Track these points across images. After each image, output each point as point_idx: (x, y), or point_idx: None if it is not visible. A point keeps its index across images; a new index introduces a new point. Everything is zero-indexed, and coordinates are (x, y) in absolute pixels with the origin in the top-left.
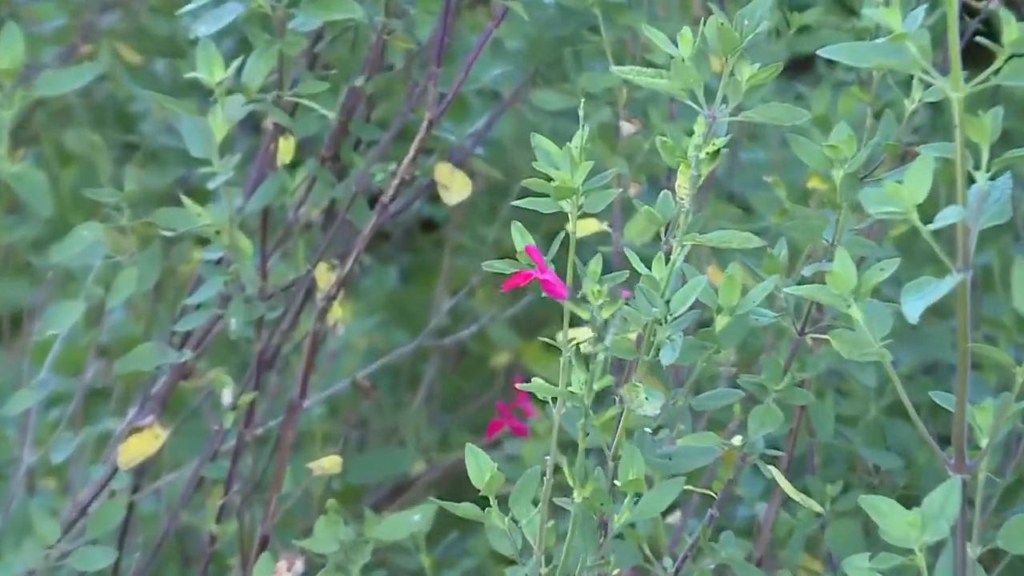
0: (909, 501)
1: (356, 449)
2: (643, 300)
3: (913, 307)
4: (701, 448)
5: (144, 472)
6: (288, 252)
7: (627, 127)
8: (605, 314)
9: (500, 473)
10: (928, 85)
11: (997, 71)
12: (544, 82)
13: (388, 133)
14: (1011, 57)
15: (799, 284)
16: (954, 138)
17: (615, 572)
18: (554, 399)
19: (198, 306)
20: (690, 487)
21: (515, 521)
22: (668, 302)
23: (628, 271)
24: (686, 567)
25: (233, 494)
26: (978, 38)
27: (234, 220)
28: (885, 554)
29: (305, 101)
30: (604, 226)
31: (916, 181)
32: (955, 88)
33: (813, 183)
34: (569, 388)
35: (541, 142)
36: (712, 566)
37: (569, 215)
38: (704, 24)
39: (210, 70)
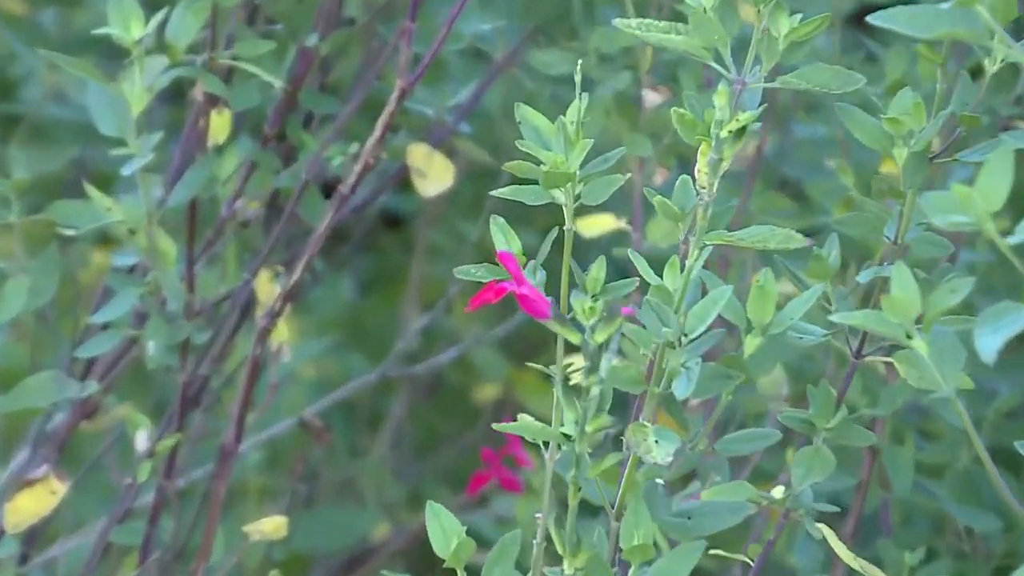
0: (1009, 573)
1: (304, 507)
2: (652, 317)
3: (988, 343)
4: (729, 504)
5: (36, 537)
6: (220, 257)
7: (651, 97)
8: (599, 336)
9: (470, 540)
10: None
11: None
12: (546, 40)
13: (348, 105)
14: None
15: (855, 295)
16: None
17: None
18: (547, 442)
19: (105, 326)
20: (721, 552)
21: None
22: (683, 319)
23: (638, 280)
24: None
25: (150, 564)
26: None
27: (153, 216)
28: None
29: (244, 65)
30: (622, 224)
31: (992, 181)
32: None
33: (887, 167)
34: (560, 428)
35: (526, 114)
36: None
37: (564, 208)
38: None
39: (125, 25)
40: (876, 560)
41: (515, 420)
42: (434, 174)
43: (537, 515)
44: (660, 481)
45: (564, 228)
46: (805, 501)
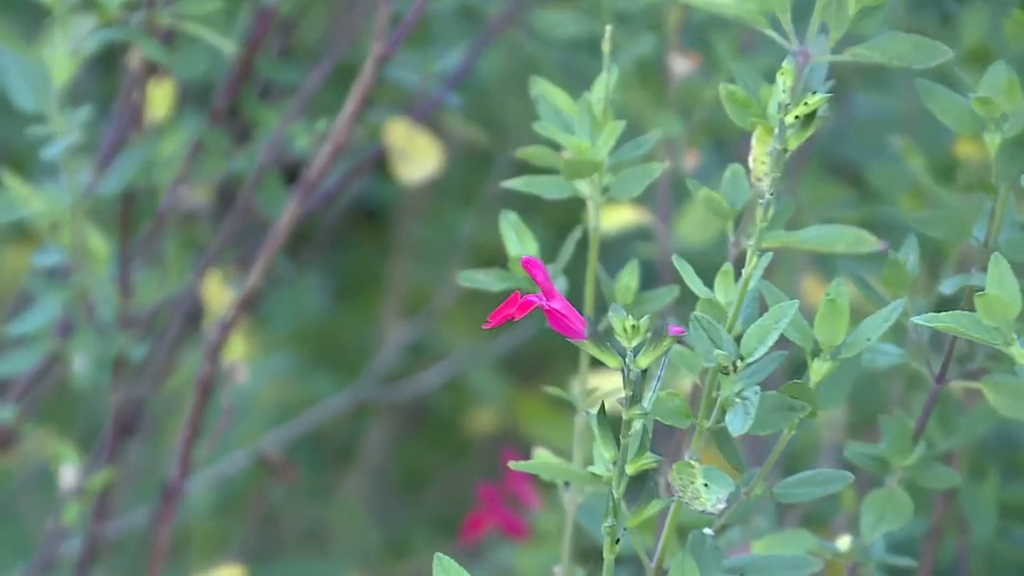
0: None
1: (263, 557)
2: (701, 336)
3: None
4: (789, 557)
5: None
6: (161, 256)
7: (680, 65)
8: (644, 361)
9: None
10: None
11: None
12: None
13: (314, 74)
14: None
15: (936, 308)
16: None
17: None
18: (567, 482)
19: (23, 338)
20: None
21: None
22: (739, 339)
23: (678, 285)
24: None
25: None
26: None
27: (80, 207)
28: None
29: (188, 26)
30: (645, 217)
31: None
32: None
33: (964, 150)
34: (590, 468)
35: (545, 90)
36: None
37: (589, 203)
38: None
39: None
40: None
41: (519, 453)
42: (418, 156)
43: (556, 570)
44: (709, 531)
45: (587, 227)
46: (876, 553)
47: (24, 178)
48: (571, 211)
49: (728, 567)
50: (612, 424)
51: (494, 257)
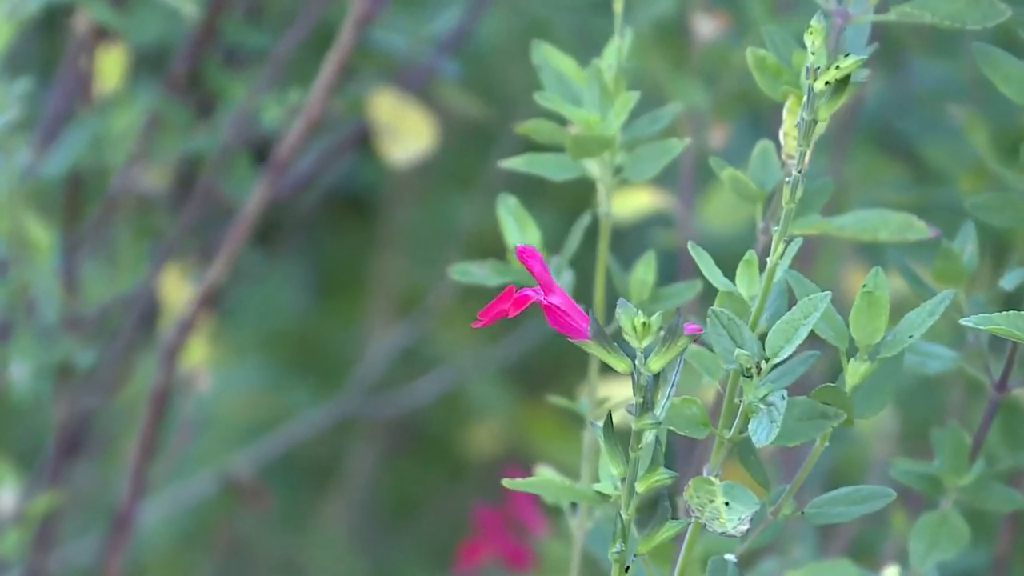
0: None
1: None
2: (721, 335)
3: None
4: None
5: None
6: (112, 247)
7: (705, 26)
8: (656, 364)
9: None
10: None
11: None
12: None
13: (286, 38)
14: None
15: (998, 306)
16: None
17: None
18: (574, 504)
19: None
20: None
21: None
22: (763, 338)
23: (700, 280)
24: None
25: None
26: None
27: (19, 191)
28: None
29: None
30: (665, 201)
31: None
32: None
33: None
34: (595, 487)
35: (548, 55)
36: None
37: (599, 185)
38: None
39: None
40: None
41: (525, 472)
42: (407, 133)
43: None
44: (731, 557)
45: (596, 213)
46: None
47: None
48: (581, 195)
49: None
50: (624, 438)
51: (496, 248)
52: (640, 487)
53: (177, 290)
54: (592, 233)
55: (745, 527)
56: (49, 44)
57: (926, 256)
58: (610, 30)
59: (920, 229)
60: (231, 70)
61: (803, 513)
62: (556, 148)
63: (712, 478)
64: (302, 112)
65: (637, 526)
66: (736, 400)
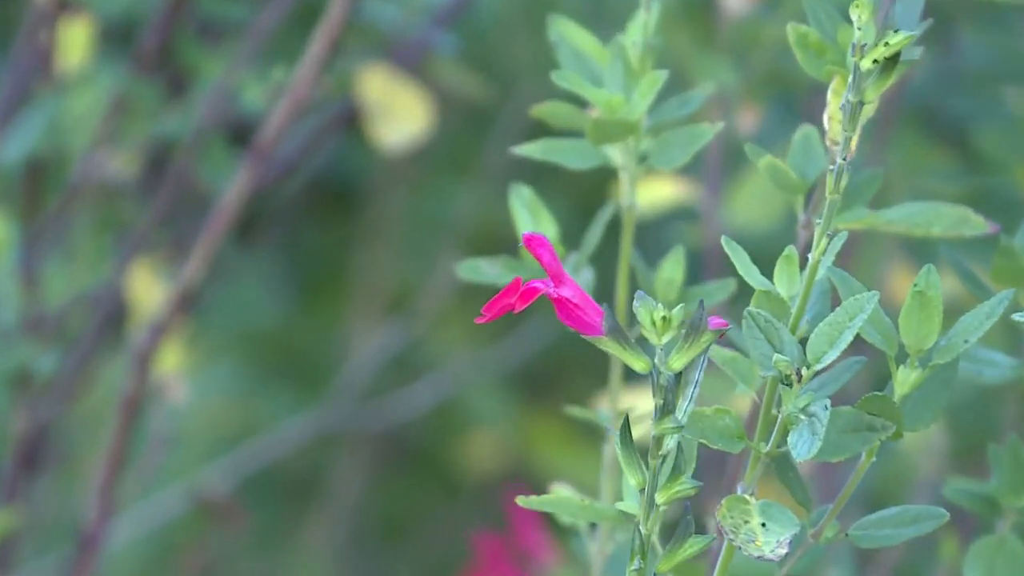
0: None
1: None
2: (758, 338)
3: None
4: None
5: None
6: (76, 242)
7: (734, 0)
8: (677, 362)
9: None
10: None
11: None
12: None
13: (269, 10)
14: None
15: None
16: None
17: None
18: (592, 526)
19: None
20: None
21: None
22: (804, 342)
23: (734, 279)
24: None
25: None
26: None
27: None
28: None
29: None
30: (693, 191)
31: None
32: None
33: None
34: (619, 505)
35: (566, 31)
36: None
37: (622, 174)
38: None
39: None
40: None
41: (530, 491)
42: (400, 114)
43: None
44: None
45: (619, 203)
46: None
47: None
48: (594, 185)
49: None
50: (644, 448)
51: (497, 243)
52: (660, 498)
53: (147, 289)
54: (615, 227)
55: (784, 551)
56: (4, 16)
57: (981, 254)
58: (623, 4)
59: (977, 224)
60: (207, 44)
61: (847, 535)
62: (573, 133)
63: (747, 496)
64: (287, 91)
65: (661, 543)
66: (774, 411)
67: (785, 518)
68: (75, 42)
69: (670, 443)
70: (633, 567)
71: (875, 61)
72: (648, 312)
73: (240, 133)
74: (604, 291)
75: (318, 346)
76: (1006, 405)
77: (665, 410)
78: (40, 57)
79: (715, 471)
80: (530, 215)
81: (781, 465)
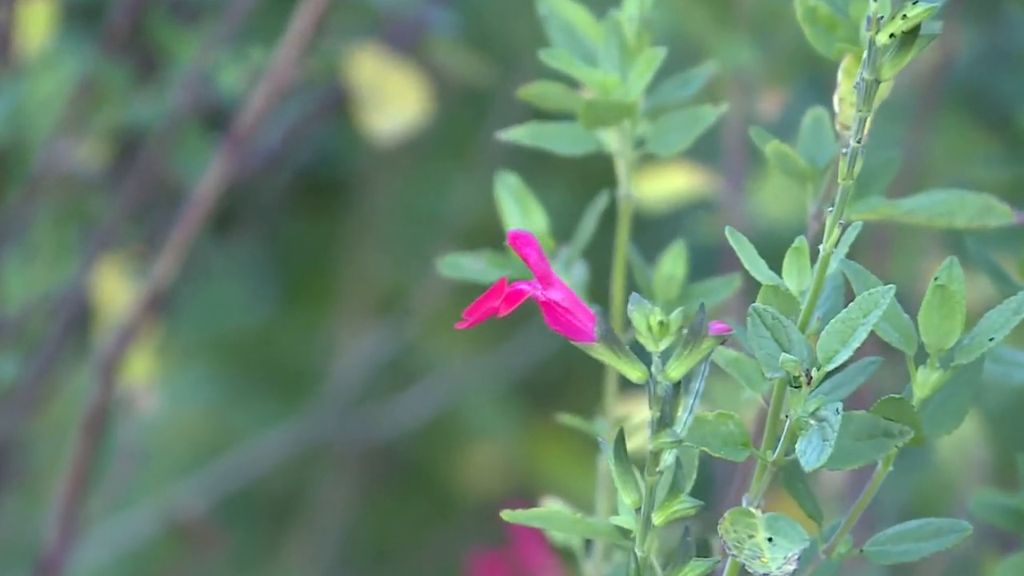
0: None
1: None
2: (764, 337)
3: None
4: None
5: None
6: (37, 239)
7: None
8: (676, 371)
9: None
10: None
11: None
12: None
13: None
14: None
15: None
16: None
17: None
18: (588, 543)
19: None
20: None
21: None
22: (815, 340)
23: (740, 274)
24: None
25: None
26: None
27: None
28: None
29: None
30: (710, 181)
31: None
32: None
33: None
34: (612, 520)
35: (555, 5)
36: None
37: (618, 160)
38: None
39: None
40: None
41: (530, 505)
42: (393, 99)
43: None
44: None
45: (617, 193)
46: None
47: None
48: (609, 170)
49: None
50: (628, 462)
51: (498, 238)
52: (657, 518)
53: (115, 289)
54: (612, 220)
55: (791, 567)
56: None
57: (1015, 246)
58: None
59: (1003, 213)
60: (180, 23)
61: (862, 551)
62: (567, 116)
63: (752, 509)
64: (268, 74)
65: (660, 565)
66: (782, 416)
67: (793, 532)
68: (37, 21)
69: (668, 458)
70: None
71: (892, 35)
72: (644, 316)
73: (217, 120)
74: (601, 289)
75: (301, 351)
76: None
77: (662, 422)
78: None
79: (722, 482)
80: (518, 205)
81: (790, 475)
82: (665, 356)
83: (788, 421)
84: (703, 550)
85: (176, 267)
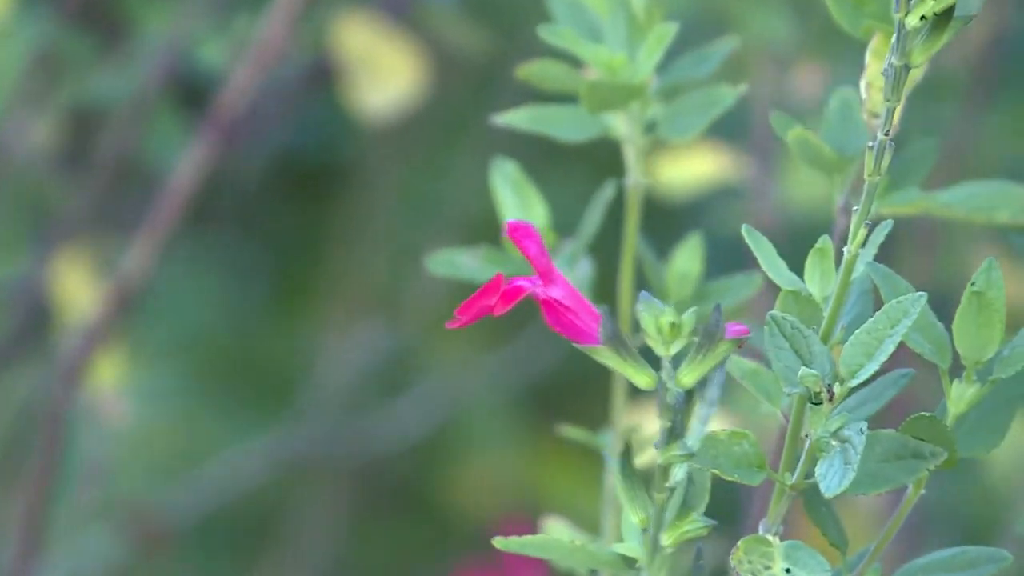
0: None
1: None
2: (782, 348)
3: None
4: None
5: None
6: None
7: None
8: (688, 378)
9: None
10: None
11: None
12: None
13: None
14: None
15: None
16: None
17: None
18: (593, 572)
19: None
20: None
21: None
22: (838, 352)
23: (759, 273)
24: None
25: None
26: None
27: None
28: None
29: None
30: (737, 168)
31: None
32: None
33: None
34: (617, 547)
35: None
36: None
37: (625, 146)
38: None
39: None
40: None
41: (531, 525)
42: (387, 73)
43: None
44: None
45: (625, 182)
46: None
47: None
48: (612, 160)
49: None
50: (638, 478)
51: (498, 231)
52: (667, 539)
53: (77, 285)
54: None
55: None
56: None
57: None
58: None
59: None
60: None
61: None
62: (571, 98)
63: (769, 536)
64: (251, 47)
65: None
66: (802, 435)
67: (814, 562)
68: None
69: (679, 473)
70: None
71: (923, 17)
72: (653, 317)
73: (194, 97)
74: (607, 284)
75: (285, 355)
76: None
77: (673, 434)
78: None
79: (743, 505)
80: (515, 196)
81: (811, 499)
82: (676, 361)
83: (808, 440)
84: None
85: (147, 262)
